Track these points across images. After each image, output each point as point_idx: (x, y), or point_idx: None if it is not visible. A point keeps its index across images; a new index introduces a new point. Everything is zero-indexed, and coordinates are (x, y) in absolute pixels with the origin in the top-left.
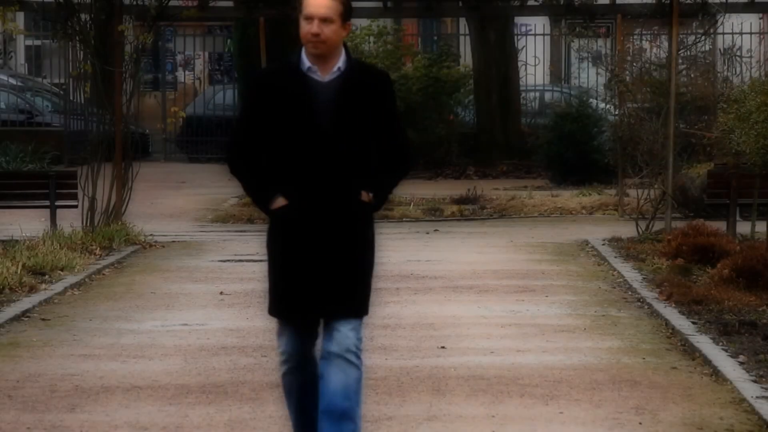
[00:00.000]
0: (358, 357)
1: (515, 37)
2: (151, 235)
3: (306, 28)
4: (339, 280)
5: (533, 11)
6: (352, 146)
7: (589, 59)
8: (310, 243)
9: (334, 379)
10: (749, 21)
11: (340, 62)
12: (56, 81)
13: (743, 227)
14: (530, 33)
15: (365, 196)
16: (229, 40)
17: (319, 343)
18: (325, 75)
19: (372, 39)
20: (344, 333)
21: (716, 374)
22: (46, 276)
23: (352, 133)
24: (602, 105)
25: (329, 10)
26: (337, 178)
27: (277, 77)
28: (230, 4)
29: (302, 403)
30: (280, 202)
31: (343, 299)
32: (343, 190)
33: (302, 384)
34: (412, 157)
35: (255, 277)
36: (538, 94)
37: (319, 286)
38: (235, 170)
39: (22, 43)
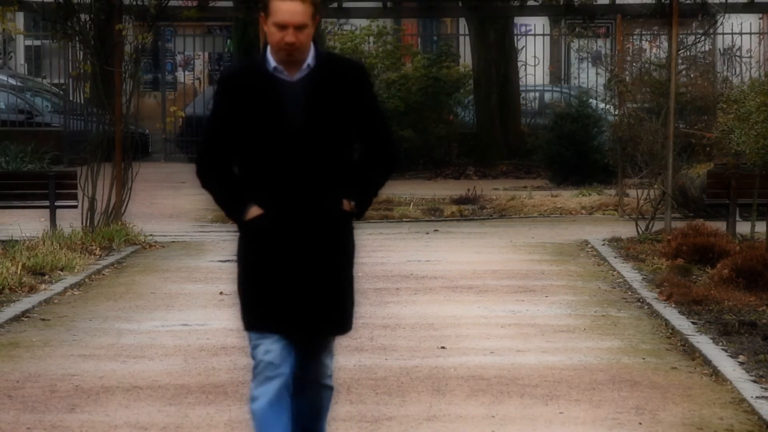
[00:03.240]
0: (331, 377)
1: (515, 37)
2: (150, 235)
3: (278, 36)
4: (322, 295)
5: (533, 11)
6: (328, 147)
7: (589, 59)
8: (288, 254)
9: (308, 402)
10: (749, 21)
11: (310, 59)
12: (56, 81)
13: (743, 227)
14: (530, 33)
15: (347, 205)
16: (229, 40)
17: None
18: (293, 74)
19: (372, 39)
20: (323, 363)
21: (716, 374)
22: (46, 276)
23: (326, 133)
24: (602, 105)
25: (305, 17)
26: (314, 184)
27: (243, 77)
28: (230, 4)
29: (267, 422)
30: (254, 212)
31: (330, 316)
32: (321, 197)
33: (272, 397)
34: (398, 151)
35: None
36: (537, 94)
37: (301, 299)
38: (204, 180)
39: (21, 43)
